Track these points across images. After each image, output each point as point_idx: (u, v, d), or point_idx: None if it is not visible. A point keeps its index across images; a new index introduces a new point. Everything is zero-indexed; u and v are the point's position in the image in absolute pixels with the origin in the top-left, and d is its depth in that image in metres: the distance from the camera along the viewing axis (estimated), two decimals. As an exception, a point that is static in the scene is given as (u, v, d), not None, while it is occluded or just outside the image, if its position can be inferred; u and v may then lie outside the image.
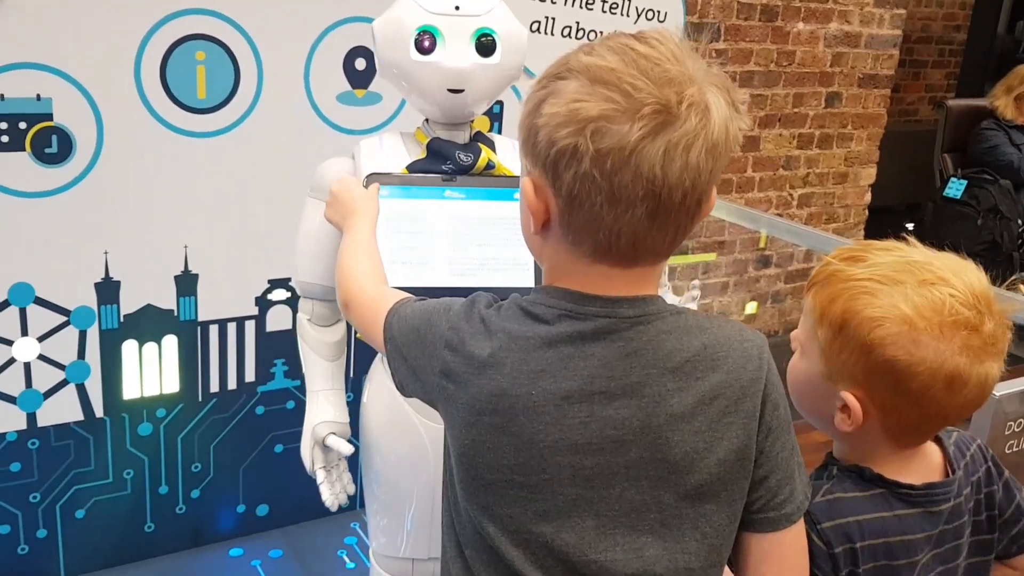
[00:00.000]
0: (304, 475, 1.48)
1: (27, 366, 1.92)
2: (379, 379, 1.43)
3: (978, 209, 3.91)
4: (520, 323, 0.83)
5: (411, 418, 1.39)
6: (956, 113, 4.10)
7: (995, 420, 1.33)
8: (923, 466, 0.97)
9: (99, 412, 2.01)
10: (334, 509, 1.45)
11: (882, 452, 0.94)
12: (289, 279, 2.11)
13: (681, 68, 0.75)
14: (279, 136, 2.02)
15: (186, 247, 2.01)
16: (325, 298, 1.44)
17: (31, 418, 1.94)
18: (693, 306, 1.52)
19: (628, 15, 2.38)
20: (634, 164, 0.74)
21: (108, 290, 1.95)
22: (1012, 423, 1.36)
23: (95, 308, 1.95)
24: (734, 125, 0.78)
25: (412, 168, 1.32)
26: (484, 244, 1.28)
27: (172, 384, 2.08)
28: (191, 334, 2.07)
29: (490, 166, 1.33)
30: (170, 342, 2.05)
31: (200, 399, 2.12)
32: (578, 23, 2.32)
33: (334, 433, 1.41)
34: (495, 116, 2.28)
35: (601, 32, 2.31)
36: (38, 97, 1.78)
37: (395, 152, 1.36)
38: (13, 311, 1.87)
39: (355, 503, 2.38)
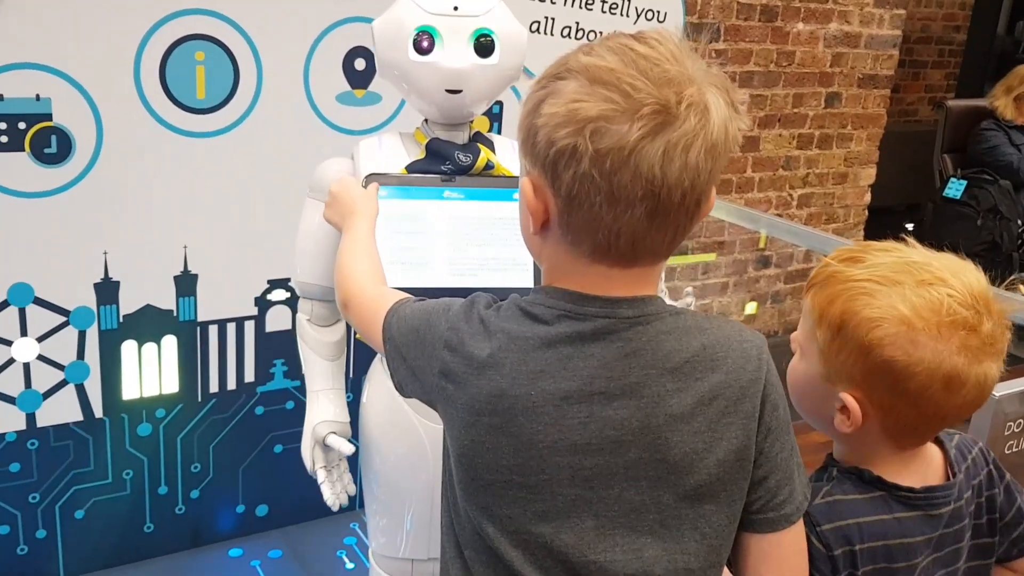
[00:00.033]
0: (304, 475, 1.48)
1: (26, 366, 1.91)
2: (378, 379, 1.43)
3: (978, 209, 3.91)
4: (519, 323, 0.83)
5: (410, 418, 1.39)
6: (956, 113, 4.10)
7: (995, 420, 1.33)
8: (923, 468, 0.96)
9: (98, 412, 2.01)
10: (335, 509, 1.45)
11: (882, 453, 0.94)
12: (288, 279, 2.11)
13: (680, 68, 0.75)
14: (278, 136, 2.02)
15: (185, 247, 2.01)
16: (324, 298, 1.44)
17: (30, 418, 1.94)
18: None
19: (628, 15, 2.38)
20: (633, 164, 0.74)
21: (107, 290, 1.95)
22: (1012, 423, 1.36)
23: (94, 308, 1.95)
24: (733, 125, 0.78)
25: (411, 168, 1.32)
26: (483, 244, 1.28)
27: (171, 384, 2.08)
28: (190, 334, 2.07)
29: (489, 166, 1.33)
30: (169, 342, 2.05)
31: (199, 399, 2.12)
32: (578, 23, 2.32)
33: (334, 432, 1.41)
34: (494, 116, 2.28)
35: (601, 32, 2.31)
36: (37, 97, 1.78)
37: (394, 152, 1.36)
38: (12, 311, 1.87)
39: (354, 503, 2.38)
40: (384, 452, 1.43)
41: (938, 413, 0.89)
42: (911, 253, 0.92)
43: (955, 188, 3.98)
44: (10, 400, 1.91)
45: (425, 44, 1.28)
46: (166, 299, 2.02)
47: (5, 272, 1.85)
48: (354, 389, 1.51)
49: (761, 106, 3.34)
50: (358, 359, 2.05)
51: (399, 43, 1.29)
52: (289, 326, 2.15)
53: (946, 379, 0.86)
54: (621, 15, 2.37)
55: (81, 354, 1.96)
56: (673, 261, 3.24)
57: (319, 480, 1.44)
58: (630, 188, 0.74)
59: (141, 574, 2.12)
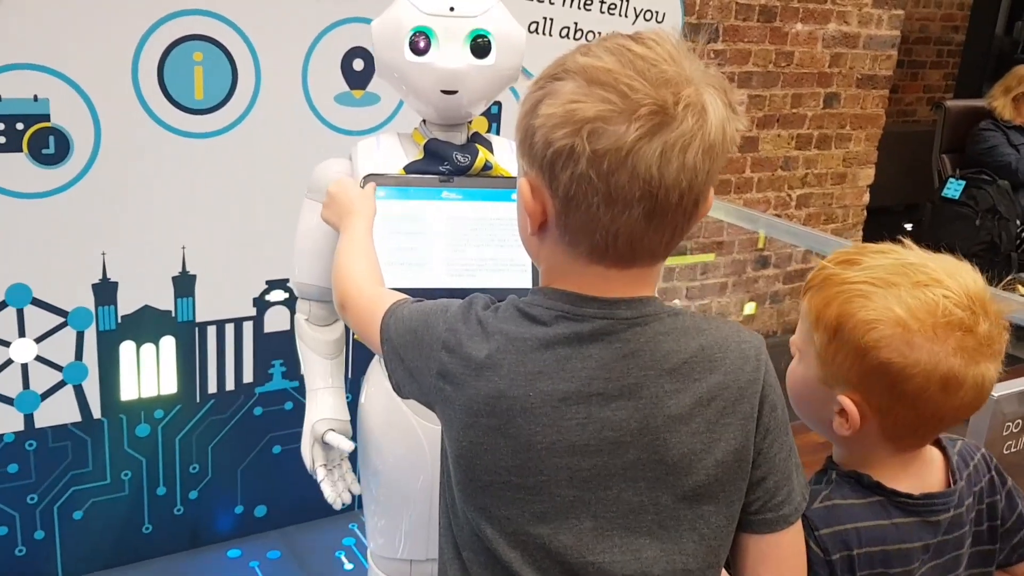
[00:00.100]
0: (302, 476, 1.47)
1: (24, 367, 1.91)
2: (376, 380, 1.43)
3: (976, 209, 3.91)
4: (517, 324, 0.83)
5: (409, 419, 1.39)
6: (954, 114, 4.11)
7: (993, 421, 1.33)
8: (924, 472, 0.96)
9: (97, 413, 2.01)
10: (337, 507, 1.43)
11: (881, 456, 0.94)
12: (287, 280, 2.11)
13: (678, 69, 0.75)
14: (277, 137, 2.02)
15: (184, 248, 2.01)
16: (322, 299, 1.44)
17: (28, 419, 1.94)
18: None
19: (626, 16, 2.38)
20: (631, 165, 0.74)
21: (106, 291, 1.95)
22: (1010, 423, 1.36)
23: (93, 309, 1.95)
24: (731, 126, 0.78)
25: (409, 169, 1.32)
26: (482, 245, 1.28)
27: (170, 385, 2.08)
28: (189, 335, 2.07)
29: (487, 167, 1.33)
30: (168, 343, 2.05)
31: (198, 400, 2.12)
32: (576, 24, 2.32)
33: (333, 430, 1.41)
34: (493, 117, 2.28)
35: (599, 33, 2.31)
36: (35, 98, 1.78)
37: (392, 153, 1.36)
38: (10, 312, 1.87)
39: (353, 504, 2.38)
40: (382, 453, 1.43)
41: (936, 415, 0.89)
42: (907, 255, 0.92)
43: (954, 188, 3.98)
44: (8, 401, 1.91)
45: (421, 44, 1.28)
46: (164, 300, 2.02)
47: (3, 273, 1.84)
48: (352, 390, 1.51)
49: (760, 106, 3.34)
50: (356, 360, 2.05)
51: (396, 43, 1.29)
52: (288, 327, 2.15)
53: (943, 380, 0.86)
54: (620, 16, 2.37)
55: (79, 355, 1.96)
56: (672, 261, 3.24)
57: (319, 479, 1.43)
58: (628, 189, 0.74)
59: (140, 575, 2.11)
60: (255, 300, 2.13)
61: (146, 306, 2.00)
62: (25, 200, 1.82)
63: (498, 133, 2.27)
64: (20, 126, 1.78)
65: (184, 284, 2.03)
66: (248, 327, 2.14)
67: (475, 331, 0.84)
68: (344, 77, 2.07)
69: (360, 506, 1.66)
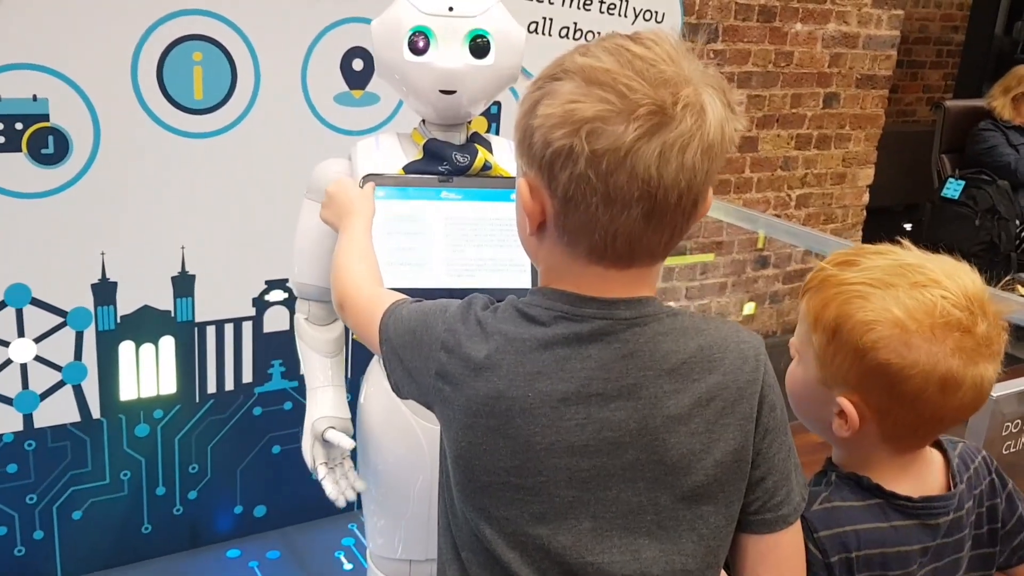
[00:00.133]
0: (302, 476, 1.47)
1: (23, 367, 1.91)
2: (376, 380, 1.43)
3: (976, 210, 3.91)
4: (516, 325, 0.83)
5: (408, 419, 1.39)
6: (954, 114, 4.11)
7: (992, 421, 1.33)
8: (923, 474, 0.96)
9: (96, 413, 2.01)
10: (341, 504, 1.41)
11: (880, 458, 0.94)
12: (286, 280, 2.11)
13: (676, 69, 0.75)
14: (276, 137, 2.02)
15: (183, 248, 2.00)
16: (321, 299, 1.43)
17: (28, 419, 1.94)
18: None
19: (626, 16, 2.38)
20: (629, 165, 0.74)
21: (105, 291, 1.95)
22: (1009, 424, 1.36)
23: (92, 309, 1.95)
24: (730, 126, 0.78)
25: (409, 169, 1.32)
26: (481, 245, 1.28)
27: (169, 385, 2.08)
28: (188, 335, 2.07)
29: (487, 167, 1.33)
30: (167, 343, 2.05)
31: (197, 400, 2.12)
32: (576, 24, 2.32)
33: (333, 428, 1.41)
34: (492, 117, 2.28)
35: (599, 33, 2.31)
36: (34, 98, 1.78)
37: (392, 153, 1.36)
38: (10, 312, 1.87)
39: (353, 504, 2.38)
40: (382, 453, 1.43)
41: (935, 415, 0.89)
42: (905, 256, 0.92)
43: (953, 188, 3.98)
44: (7, 401, 1.91)
45: (420, 44, 1.28)
46: (164, 300, 2.02)
47: (2, 273, 1.84)
48: (352, 390, 1.51)
49: (759, 106, 3.34)
50: (355, 360, 2.05)
51: (395, 43, 1.29)
52: (287, 327, 2.15)
53: (942, 381, 0.86)
54: (619, 16, 2.37)
55: (79, 355, 1.96)
56: (671, 261, 3.24)
57: (320, 476, 1.41)
58: (626, 189, 0.74)
59: (139, 575, 2.11)
60: (254, 300, 2.13)
61: (145, 306, 2.00)
62: (24, 200, 1.82)
63: (497, 133, 2.26)
64: (19, 126, 1.78)
65: (183, 284, 2.03)
66: (247, 327, 2.13)
67: (474, 331, 0.84)
68: (343, 77, 2.07)
69: (359, 506, 1.66)
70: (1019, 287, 3.29)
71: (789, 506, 0.86)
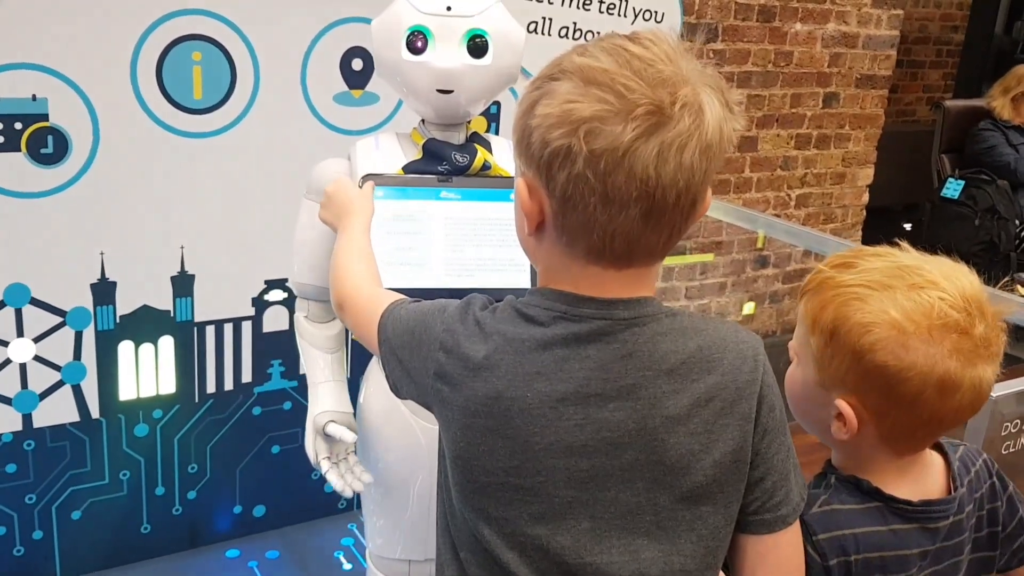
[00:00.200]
0: (301, 476, 1.47)
1: (23, 367, 1.91)
2: (375, 380, 1.43)
3: (975, 209, 3.91)
4: (515, 325, 0.83)
5: (407, 419, 1.39)
6: (953, 113, 4.11)
7: (992, 421, 1.33)
8: (923, 477, 0.96)
9: (95, 413, 2.01)
10: (348, 495, 1.39)
11: (879, 461, 0.94)
12: (286, 280, 2.11)
13: (675, 69, 0.75)
14: (275, 137, 2.02)
15: (182, 248, 2.00)
16: (321, 299, 1.43)
17: (27, 419, 1.94)
18: None
19: (625, 16, 2.38)
20: (628, 165, 0.74)
21: (104, 291, 1.95)
22: (1008, 424, 1.36)
23: (91, 309, 1.95)
24: (728, 126, 0.77)
25: (408, 169, 1.32)
26: (480, 245, 1.28)
27: (168, 385, 2.08)
28: (187, 335, 2.07)
29: (486, 167, 1.33)
30: (166, 343, 2.05)
31: (196, 400, 2.12)
32: (575, 23, 2.32)
33: (334, 421, 1.40)
34: (492, 117, 2.28)
35: (598, 33, 2.30)
36: (34, 97, 1.78)
37: (391, 153, 1.36)
38: (9, 312, 1.87)
39: (352, 504, 2.38)
40: (381, 453, 1.43)
41: (934, 417, 0.89)
42: (903, 257, 0.92)
43: (953, 188, 3.98)
44: (6, 401, 1.91)
45: (419, 44, 1.28)
46: (163, 299, 2.02)
47: (1, 273, 1.84)
48: (351, 390, 1.51)
49: (759, 106, 3.34)
50: (355, 360, 2.05)
51: (394, 42, 1.29)
52: (286, 326, 2.15)
53: (940, 383, 0.86)
54: (619, 15, 2.37)
55: (78, 355, 1.96)
56: (671, 261, 3.24)
57: (323, 471, 1.40)
58: (624, 189, 0.74)
59: (138, 575, 2.11)
60: (254, 300, 2.12)
61: (145, 306, 2.00)
62: (23, 200, 1.82)
63: (497, 133, 2.26)
64: (18, 126, 1.78)
65: (183, 284, 2.03)
66: (247, 327, 2.13)
67: (473, 332, 0.84)
68: (343, 77, 2.07)
69: (359, 506, 1.66)
70: (1019, 287, 3.29)
71: (788, 506, 0.86)
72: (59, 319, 1.92)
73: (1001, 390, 1.31)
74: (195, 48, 1.90)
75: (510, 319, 0.83)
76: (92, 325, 1.95)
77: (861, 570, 0.90)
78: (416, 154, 1.34)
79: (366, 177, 1.25)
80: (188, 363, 2.08)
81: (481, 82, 1.30)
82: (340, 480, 1.38)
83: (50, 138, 1.81)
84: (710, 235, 3.33)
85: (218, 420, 2.16)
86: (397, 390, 0.93)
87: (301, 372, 2.16)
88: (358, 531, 2.30)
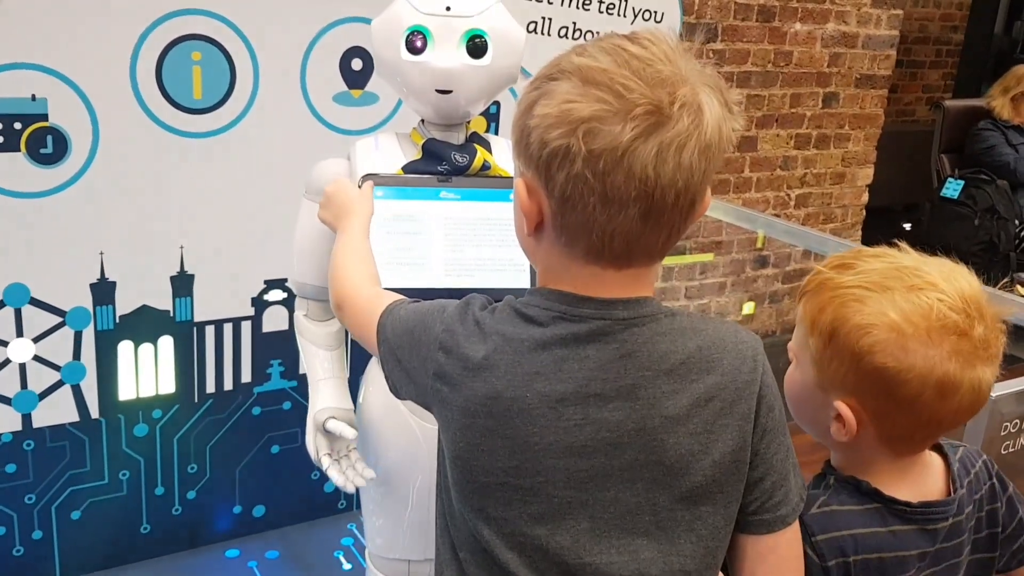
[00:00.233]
0: (301, 476, 1.47)
1: (22, 367, 1.91)
2: (375, 380, 1.42)
3: (975, 209, 3.91)
4: (514, 325, 0.83)
5: (407, 419, 1.39)
6: (953, 113, 4.11)
7: (991, 421, 1.33)
8: (923, 478, 0.96)
9: (95, 413, 2.01)
10: (350, 490, 1.38)
11: (879, 462, 0.94)
12: (285, 280, 2.11)
13: (673, 69, 0.75)
14: (275, 137, 2.02)
15: (182, 248, 2.00)
16: (320, 298, 1.43)
17: (26, 419, 1.94)
18: None
19: (625, 16, 2.38)
20: (626, 165, 0.74)
21: (104, 291, 1.95)
22: (1008, 424, 1.36)
23: (91, 309, 1.95)
24: (727, 126, 0.77)
25: (408, 169, 1.32)
26: (480, 245, 1.28)
27: (168, 385, 2.08)
28: (187, 335, 2.07)
29: (486, 167, 1.33)
30: (166, 343, 2.05)
31: (196, 400, 2.12)
32: (575, 23, 2.32)
33: (334, 417, 1.40)
34: (492, 117, 2.28)
35: (598, 33, 2.30)
36: (33, 97, 1.78)
37: (391, 153, 1.36)
38: (8, 312, 1.87)
39: (352, 504, 2.38)
40: (381, 452, 1.43)
41: (933, 419, 0.89)
42: (902, 258, 0.91)
43: (952, 188, 3.98)
44: (6, 401, 1.91)
45: (418, 44, 1.28)
46: (162, 299, 2.02)
47: (1, 272, 1.84)
48: (351, 390, 1.51)
49: (759, 106, 3.34)
50: (355, 359, 2.05)
51: (393, 42, 1.29)
52: (286, 326, 2.15)
53: (939, 385, 0.86)
54: (618, 15, 2.37)
55: (77, 355, 1.96)
56: (670, 261, 3.24)
57: (324, 467, 1.39)
58: (623, 189, 0.74)
59: (138, 575, 2.11)
60: (253, 300, 2.12)
61: (144, 306, 2.00)
62: (23, 200, 1.82)
63: (496, 133, 2.26)
64: (18, 125, 1.78)
65: (182, 284, 2.03)
66: (246, 327, 2.13)
67: (472, 332, 0.84)
68: (343, 77, 2.07)
69: (359, 506, 1.66)
70: (1018, 287, 3.30)
71: (787, 507, 0.86)
72: (59, 319, 1.92)
73: (1000, 390, 1.31)
74: (195, 48, 1.90)
75: (509, 319, 0.83)
76: (92, 325, 1.95)
77: (860, 571, 0.90)
78: (416, 154, 1.34)
79: (366, 177, 1.25)
80: (188, 363, 2.08)
81: (480, 82, 1.30)
82: (341, 476, 1.37)
83: (49, 138, 1.81)
84: (710, 235, 3.34)
85: (218, 420, 2.16)
86: (396, 390, 0.93)
87: (301, 372, 2.16)
88: (358, 531, 2.30)
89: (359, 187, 1.22)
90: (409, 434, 1.39)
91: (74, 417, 1.99)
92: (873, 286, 0.88)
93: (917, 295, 0.86)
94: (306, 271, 1.43)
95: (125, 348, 2.01)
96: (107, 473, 2.05)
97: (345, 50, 2.05)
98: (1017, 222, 3.91)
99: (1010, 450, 1.38)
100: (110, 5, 1.80)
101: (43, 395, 1.94)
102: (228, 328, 2.11)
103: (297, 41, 2.00)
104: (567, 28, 2.31)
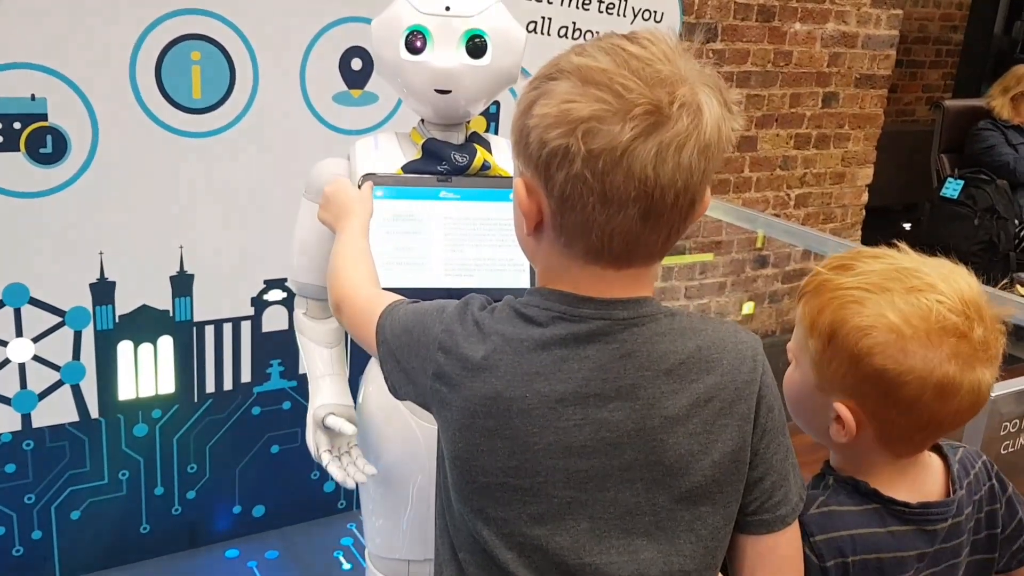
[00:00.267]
0: (300, 476, 1.47)
1: (22, 367, 1.91)
2: (374, 380, 1.42)
3: (975, 209, 3.91)
4: (514, 325, 0.82)
5: (407, 419, 1.39)
6: (953, 113, 4.11)
7: (991, 421, 1.33)
8: (922, 478, 0.96)
9: (94, 413, 2.01)
10: (350, 486, 1.38)
11: (878, 463, 0.94)
12: (285, 279, 2.11)
13: (673, 68, 0.75)
14: (275, 136, 2.02)
15: (181, 247, 2.00)
16: (320, 297, 1.43)
17: (26, 419, 1.94)
18: None
19: (624, 15, 2.38)
20: (626, 165, 0.73)
21: (103, 291, 1.95)
22: (1008, 423, 1.36)
23: (90, 309, 1.94)
24: (727, 125, 0.77)
25: (407, 169, 1.32)
26: (480, 245, 1.28)
27: (168, 385, 2.08)
28: (187, 335, 2.07)
29: (486, 167, 1.33)
30: (165, 343, 2.05)
31: (196, 400, 2.12)
32: (574, 23, 2.32)
33: (333, 413, 1.40)
34: (492, 116, 2.28)
35: (597, 32, 2.30)
36: (33, 97, 1.78)
37: (390, 152, 1.36)
38: (8, 312, 1.87)
39: (352, 504, 2.38)
40: (380, 452, 1.43)
41: (933, 421, 0.89)
42: (902, 259, 0.91)
43: (952, 188, 3.98)
44: (5, 401, 1.91)
45: (418, 44, 1.28)
46: (162, 299, 2.02)
47: (0, 272, 1.84)
48: (351, 389, 1.51)
49: (758, 106, 3.34)
50: (354, 359, 2.05)
51: (392, 42, 1.29)
52: (286, 326, 2.15)
53: (938, 387, 0.86)
54: (618, 15, 2.37)
55: (77, 355, 1.96)
56: (670, 261, 3.24)
57: (324, 463, 1.38)
58: (623, 189, 0.74)
59: (137, 575, 2.11)
60: (253, 300, 2.12)
61: (144, 306, 2.00)
62: (22, 199, 1.82)
63: (496, 132, 2.26)
64: (17, 125, 1.78)
65: (182, 283, 2.03)
66: (246, 327, 2.13)
67: (471, 332, 0.84)
68: (342, 76, 2.07)
69: (358, 506, 1.66)
70: (1018, 287, 3.30)
71: (787, 507, 0.86)
72: (58, 319, 1.92)
73: (1000, 390, 1.31)
74: (194, 48, 1.90)
75: (509, 319, 0.83)
76: (91, 325, 1.95)
77: (858, 572, 0.90)
78: (415, 154, 1.34)
79: (365, 177, 1.25)
80: (187, 363, 2.08)
81: (480, 82, 1.30)
82: (341, 471, 1.37)
83: (49, 138, 1.81)
84: (709, 235, 3.34)
85: (217, 420, 2.16)
86: (395, 391, 0.93)
87: (300, 372, 2.16)
88: (357, 531, 2.30)
89: (359, 187, 1.22)
90: (409, 434, 1.39)
91: (74, 417, 1.99)
92: (872, 287, 0.88)
93: (916, 297, 0.86)
94: (306, 271, 1.43)
95: (125, 348, 2.01)
96: (107, 473, 2.05)
97: (345, 50, 2.05)
98: (1017, 222, 3.91)
99: (1009, 450, 1.38)
100: (110, 5, 1.79)
101: (43, 395, 1.94)
102: (228, 328, 2.11)
103: (297, 41, 2.00)
104: (567, 28, 2.31)
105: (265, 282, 2.12)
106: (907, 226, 4.44)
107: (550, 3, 2.27)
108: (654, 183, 0.74)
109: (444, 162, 1.31)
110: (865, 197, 3.85)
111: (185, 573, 2.14)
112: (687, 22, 2.89)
